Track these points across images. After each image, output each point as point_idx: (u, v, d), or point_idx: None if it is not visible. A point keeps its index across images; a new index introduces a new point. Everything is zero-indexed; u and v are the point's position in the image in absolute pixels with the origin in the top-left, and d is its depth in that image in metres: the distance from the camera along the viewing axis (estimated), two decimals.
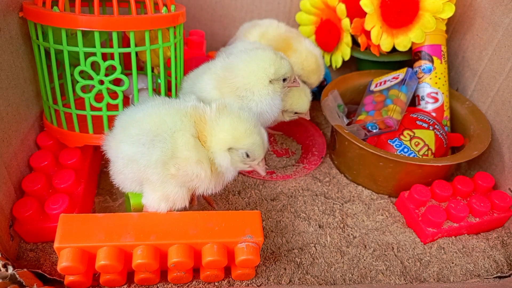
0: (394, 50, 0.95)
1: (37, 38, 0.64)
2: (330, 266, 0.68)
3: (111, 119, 0.65)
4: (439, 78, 0.91)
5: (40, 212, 0.65)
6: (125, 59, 0.90)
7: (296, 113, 0.84)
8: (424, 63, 0.92)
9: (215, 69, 0.73)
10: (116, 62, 0.64)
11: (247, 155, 0.60)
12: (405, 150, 0.80)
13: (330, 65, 1.08)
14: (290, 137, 1.01)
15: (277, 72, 0.70)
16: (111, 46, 0.64)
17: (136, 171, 0.59)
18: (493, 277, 0.67)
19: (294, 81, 0.74)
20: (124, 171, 0.60)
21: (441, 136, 0.82)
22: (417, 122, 0.83)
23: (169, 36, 0.70)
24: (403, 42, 0.91)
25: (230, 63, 0.72)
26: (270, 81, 0.70)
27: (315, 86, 0.93)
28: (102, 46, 0.63)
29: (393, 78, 0.91)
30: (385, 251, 0.71)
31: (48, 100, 0.69)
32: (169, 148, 0.57)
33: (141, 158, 0.58)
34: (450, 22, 0.96)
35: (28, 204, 0.64)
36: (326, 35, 1.04)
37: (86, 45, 0.62)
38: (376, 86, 0.94)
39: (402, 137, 0.81)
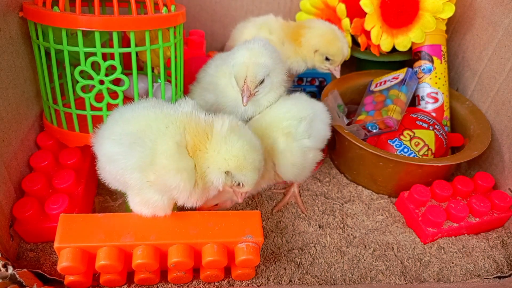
0: (394, 50, 0.95)
1: (37, 38, 0.64)
2: (330, 266, 0.68)
3: None
4: (439, 78, 0.91)
5: (40, 212, 0.65)
6: (125, 59, 0.90)
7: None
8: (424, 63, 0.92)
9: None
10: (116, 62, 0.64)
11: (239, 184, 0.59)
12: (405, 150, 0.80)
13: None
14: None
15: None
16: (111, 46, 0.63)
17: (114, 173, 0.57)
18: (493, 277, 0.67)
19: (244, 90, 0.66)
20: (105, 169, 0.58)
21: (441, 136, 0.82)
22: (417, 122, 0.83)
23: (169, 36, 0.70)
24: (403, 42, 0.91)
25: None
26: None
27: (338, 61, 0.87)
28: (102, 46, 0.63)
29: (393, 78, 0.91)
30: (385, 251, 0.71)
31: (48, 100, 0.69)
32: (147, 155, 0.54)
33: (120, 160, 0.55)
34: (450, 22, 0.96)
35: (28, 204, 0.64)
36: None
37: (87, 45, 0.62)
38: (376, 86, 0.94)
39: (402, 137, 0.81)
